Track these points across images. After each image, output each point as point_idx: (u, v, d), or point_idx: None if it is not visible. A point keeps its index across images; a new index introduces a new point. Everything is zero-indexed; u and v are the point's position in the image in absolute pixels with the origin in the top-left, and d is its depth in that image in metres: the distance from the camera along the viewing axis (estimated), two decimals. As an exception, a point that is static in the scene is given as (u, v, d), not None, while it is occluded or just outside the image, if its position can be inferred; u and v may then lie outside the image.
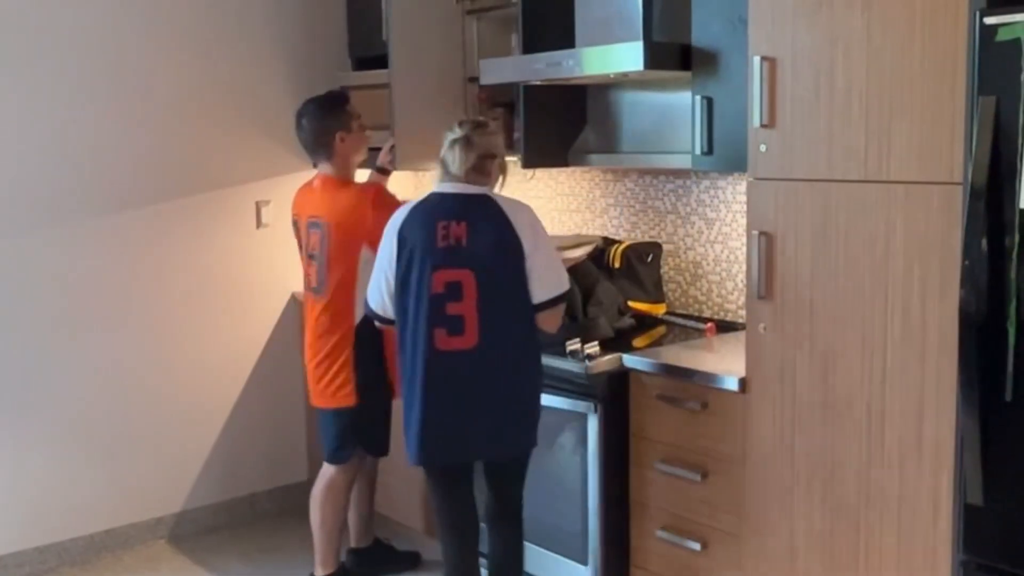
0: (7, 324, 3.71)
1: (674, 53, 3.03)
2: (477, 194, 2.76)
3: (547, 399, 3.08)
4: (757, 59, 2.50)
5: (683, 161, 3.16)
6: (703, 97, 2.97)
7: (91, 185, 3.86)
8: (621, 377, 2.99)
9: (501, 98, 3.78)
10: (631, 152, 3.55)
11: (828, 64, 2.39)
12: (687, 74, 3.03)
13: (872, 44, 2.30)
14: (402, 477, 3.66)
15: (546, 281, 2.73)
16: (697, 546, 2.82)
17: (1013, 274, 2.00)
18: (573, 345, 3.01)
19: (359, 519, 3.68)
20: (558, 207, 4.02)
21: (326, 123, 3.35)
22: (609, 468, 3.00)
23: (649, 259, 3.51)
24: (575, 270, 3.23)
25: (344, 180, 3.37)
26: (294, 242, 3.52)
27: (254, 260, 4.28)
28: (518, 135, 3.65)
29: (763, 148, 2.54)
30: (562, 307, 2.81)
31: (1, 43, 3.63)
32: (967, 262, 2.04)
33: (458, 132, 2.80)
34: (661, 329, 3.39)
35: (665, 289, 3.60)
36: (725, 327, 3.29)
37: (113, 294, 3.94)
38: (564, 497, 3.13)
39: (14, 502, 3.76)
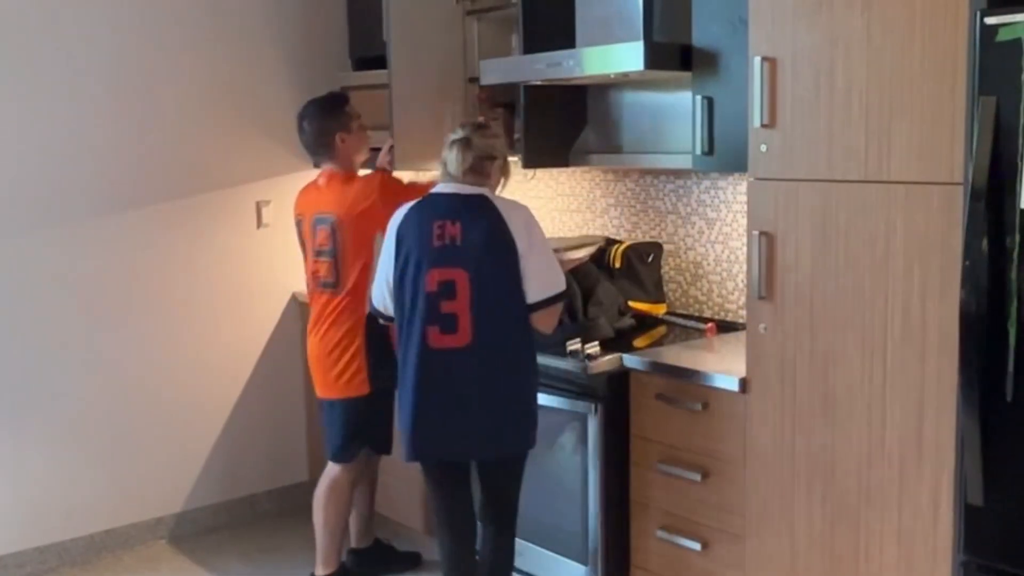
0: (7, 324, 3.72)
1: (674, 53, 3.03)
2: (474, 194, 2.77)
3: (547, 399, 3.08)
4: (757, 59, 2.50)
5: (684, 161, 3.16)
6: (703, 97, 2.97)
7: (91, 185, 3.86)
8: (621, 377, 2.99)
9: (501, 98, 3.78)
10: (631, 152, 3.55)
11: (828, 64, 2.39)
12: (687, 74, 3.03)
13: (872, 44, 2.30)
14: (402, 477, 3.66)
15: (541, 282, 2.73)
16: (697, 546, 2.82)
17: (1014, 274, 2.00)
18: (573, 345, 3.01)
19: (360, 519, 3.68)
20: (558, 207, 4.02)
21: (326, 124, 3.38)
22: (609, 468, 3.00)
23: (650, 259, 3.51)
24: (576, 270, 3.24)
25: (349, 174, 3.39)
26: (295, 242, 3.52)
27: (254, 260, 4.28)
28: (518, 135, 3.65)
29: (763, 148, 2.54)
30: (558, 308, 2.81)
31: (1, 43, 3.63)
32: (967, 262, 2.04)
33: (459, 133, 2.83)
34: (661, 329, 3.39)
35: (665, 289, 3.60)
36: (725, 327, 3.29)
37: (113, 294, 3.94)
38: (564, 497, 3.13)
39: (14, 502, 3.76)
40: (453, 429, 2.77)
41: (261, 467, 4.38)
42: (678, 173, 3.54)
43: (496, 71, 3.46)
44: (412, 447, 2.81)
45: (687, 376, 2.81)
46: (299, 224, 3.46)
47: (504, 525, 2.94)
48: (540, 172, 3.99)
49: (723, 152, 2.94)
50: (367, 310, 3.24)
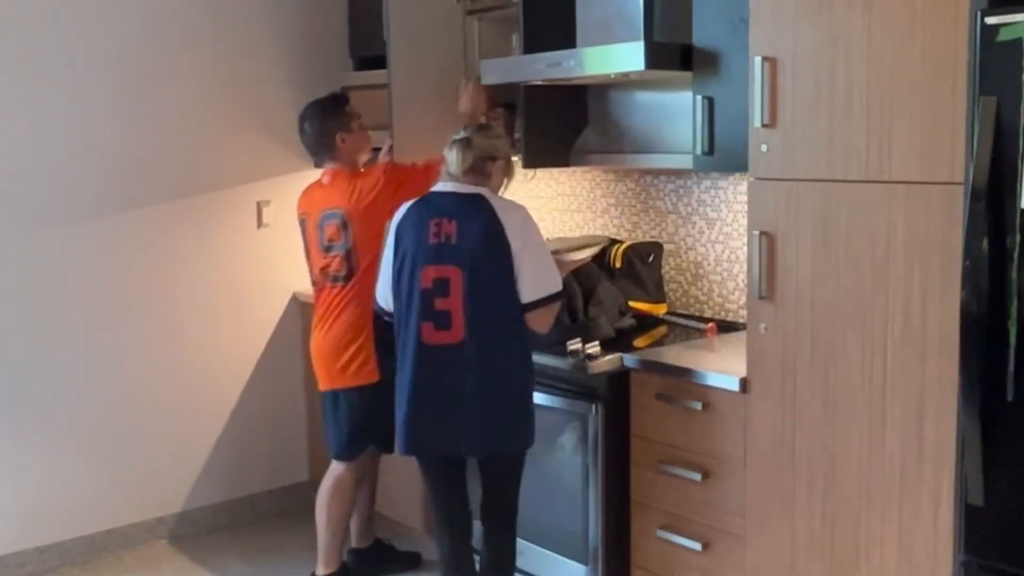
0: (8, 324, 3.71)
1: (675, 53, 3.03)
2: (471, 193, 2.79)
3: (548, 399, 3.08)
4: (758, 59, 2.50)
5: (684, 161, 3.16)
6: (704, 97, 2.97)
7: (92, 185, 3.86)
8: (622, 377, 2.99)
9: (502, 98, 3.78)
10: (632, 152, 3.55)
11: (829, 64, 2.39)
12: (688, 74, 3.03)
13: (873, 44, 2.30)
14: (402, 477, 3.66)
15: (535, 281, 2.74)
16: (698, 546, 2.82)
17: (1014, 274, 2.00)
18: (574, 345, 3.01)
19: (360, 519, 3.68)
20: (559, 207, 4.02)
21: (327, 124, 3.41)
22: (610, 468, 3.00)
23: (650, 259, 3.52)
24: (578, 271, 3.24)
25: (354, 171, 3.42)
26: (295, 242, 3.52)
27: (255, 260, 4.28)
28: (519, 135, 3.65)
29: (764, 148, 2.54)
30: (553, 308, 2.81)
31: (2, 43, 3.63)
32: (968, 262, 2.04)
33: (461, 134, 2.85)
34: (662, 329, 3.40)
35: (666, 289, 3.60)
36: (726, 327, 3.29)
37: (114, 294, 3.94)
38: (565, 497, 3.13)
39: (15, 502, 3.76)
40: (446, 425, 2.79)
41: (262, 467, 4.38)
42: (679, 173, 3.54)
43: (496, 71, 3.47)
44: (406, 441, 2.85)
45: (688, 376, 2.81)
46: (303, 223, 3.46)
47: (504, 525, 2.94)
48: (540, 172, 3.99)
49: (723, 152, 2.94)
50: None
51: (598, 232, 3.83)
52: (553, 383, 3.08)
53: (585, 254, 3.28)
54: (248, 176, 4.24)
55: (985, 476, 2.08)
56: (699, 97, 2.98)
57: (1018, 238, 1.99)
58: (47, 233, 3.77)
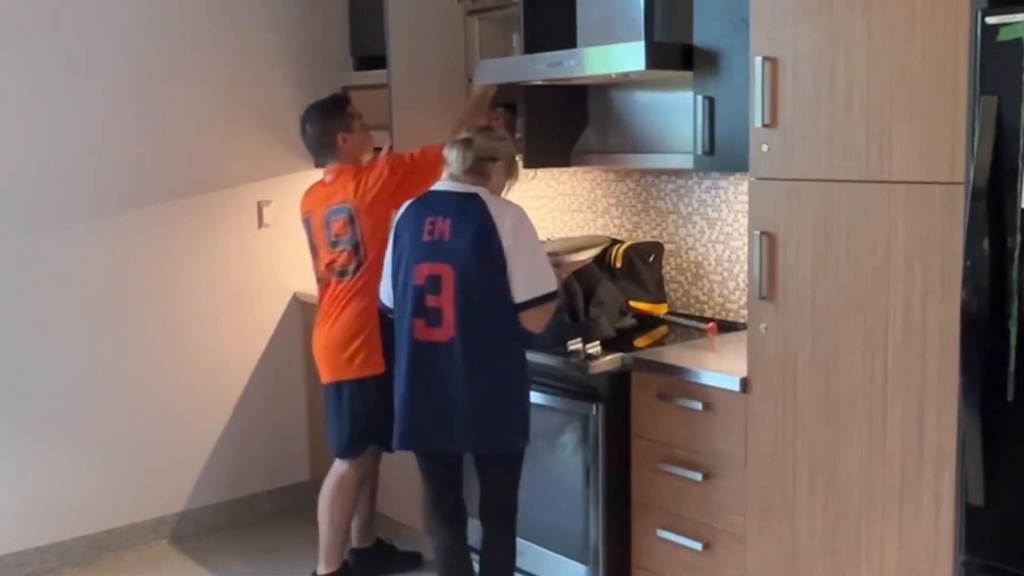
0: (7, 324, 3.71)
1: (676, 53, 3.03)
2: (468, 192, 2.81)
3: (548, 399, 3.08)
4: (759, 59, 2.50)
5: (685, 161, 3.16)
6: (704, 97, 2.97)
7: (92, 185, 3.86)
8: (622, 377, 2.99)
9: (502, 98, 3.78)
10: (633, 152, 3.55)
11: (829, 64, 2.39)
12: (688, 74, 3.03)
13: (873, 44, 2.30)
14: (403, 477, 3.66)
15: (528, 281, 2.74)
16: (698, 546, 2.82)
17: (1015, 274, 2.00)
18: (574, 345, 3.01)
19: (361, 519, 3.68)
20: (559, 207, 4.02)
21: (328, 125, 3.42)
22: (610, 468, 3.00)
23: (651, 259, 3.51)
24: (578, 271, 3.24)
25: (358, 167, 3.42)
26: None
27: (255, 260, 4.28)
28: (519, 135, 3.65)
29: (765, 148, 2.54)
30: (547, 308, 2.80)
31: (2, 43, 3.63)
32: (968, 262, 2.04)
33: (463, 134, 2.88)
34: (663, 329, 3.39)
35: (667, 289, 3.60)
36: (727, 327, 3.29)
37: (114, 294, 3.94)
38: (565, 497, 3.13)
39: (15, 502, 3.76)
40: (436, 421, 2.82)
41: (262, 467, 4.38)
42: (679, 173, 3.54)
43: (497, 71, 3.47)
44: (400, 436, 2.89)
45: (688, 376, 2.81)
46: (307, 222, 3.47)
47: (503, 524, 2.94)
48: (541, 172, 3.99)
49: (724, 152, 2.94)
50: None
51: (599, 232, 3.83)
52: (554, 383, 3.08)
53: (586, 255, 3.28)
54: (249, 176, 4.24)
55: (985, 476, 2.08)
56: (700, 97, 2.98)
57: (1019, 238, 1.99)
58: (47, 233, 3.78)
